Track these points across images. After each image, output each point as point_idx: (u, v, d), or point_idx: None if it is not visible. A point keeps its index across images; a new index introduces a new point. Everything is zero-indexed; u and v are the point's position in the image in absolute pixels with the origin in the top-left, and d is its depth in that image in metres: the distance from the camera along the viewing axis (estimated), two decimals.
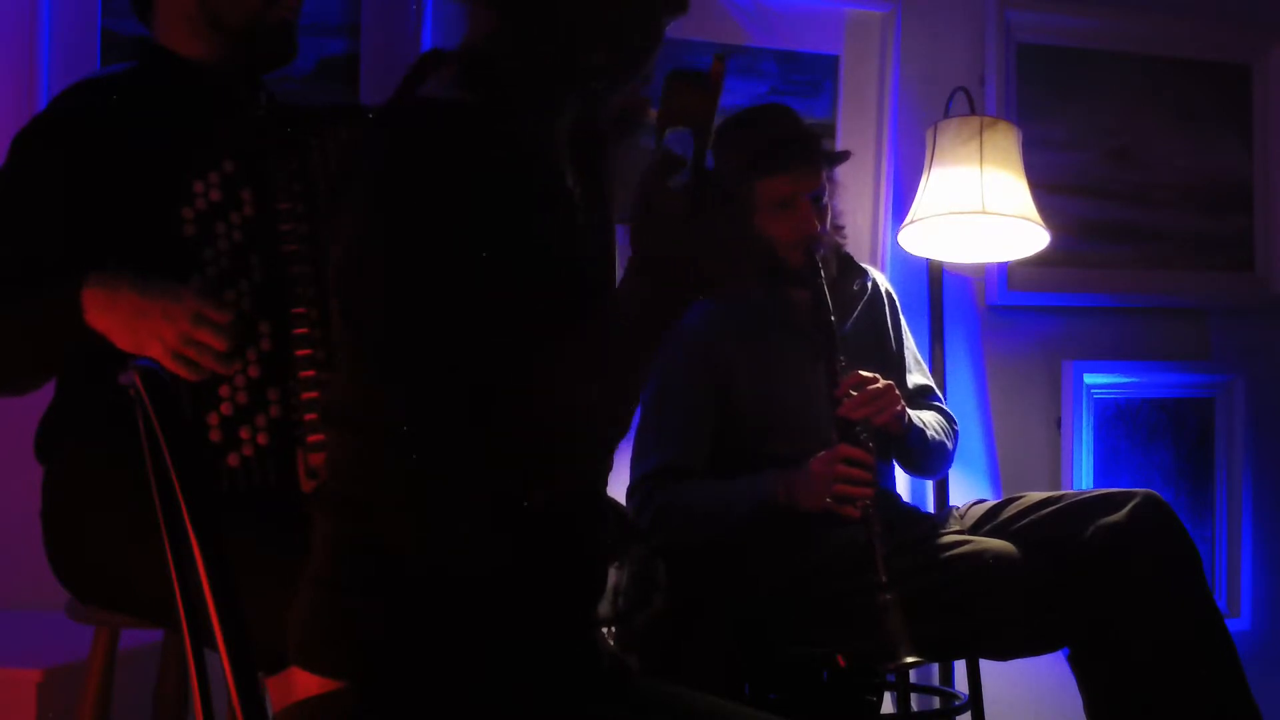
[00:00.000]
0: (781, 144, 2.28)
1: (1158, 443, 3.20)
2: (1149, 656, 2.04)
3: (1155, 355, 3.23)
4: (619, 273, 1.23)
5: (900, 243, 2.88)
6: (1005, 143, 2.75)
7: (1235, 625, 2.98)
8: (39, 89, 2.43)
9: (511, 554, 1.20)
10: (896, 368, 2.44)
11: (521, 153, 1.21)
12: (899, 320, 2.51)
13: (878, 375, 2.19)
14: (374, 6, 2.64)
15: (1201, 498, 3.23)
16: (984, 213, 2.70)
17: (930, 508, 2.87)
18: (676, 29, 1.34)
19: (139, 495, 1.40)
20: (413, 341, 1.17)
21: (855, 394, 2.15)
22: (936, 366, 2.92)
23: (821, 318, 2.22)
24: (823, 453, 2.13)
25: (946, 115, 2.88)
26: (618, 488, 2.04)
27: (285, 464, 1.69)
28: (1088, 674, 2.12)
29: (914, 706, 2.80)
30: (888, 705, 2.71)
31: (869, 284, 2.45)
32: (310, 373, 1.69)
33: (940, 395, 2.55)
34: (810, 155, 2.30)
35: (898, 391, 2.22)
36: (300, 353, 1.70)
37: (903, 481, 2.63)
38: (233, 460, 1.66)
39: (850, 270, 2.45)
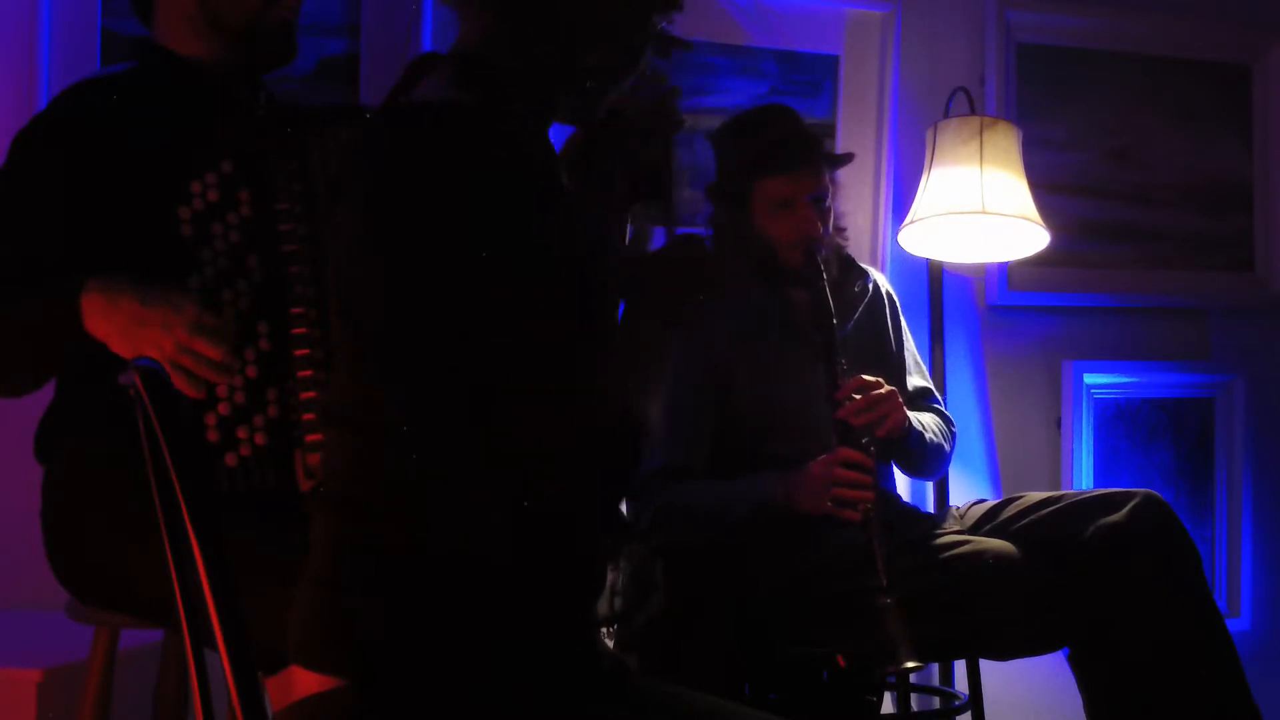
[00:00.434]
0: (782, 145, 2.28)
1: (1158, 443, 3.20)
2: (1149, 656, 2.04)
3: (1155, 355, 3.23)
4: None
5: (900, 243, 2.88)
6: (1005, 143, 2.75)
7: (1235, 625, 2.98)
8: (39, 89, 2.43)
9: (511, 554, 1.20)
10: (896, 369, 2.44)
11: (520, 152, 1.21)
12: (899, 322, 2.51)
13: (880, 380, 2.19)
14: (374, 6, 2.64)
15: (1201, 498, 3.23)
16: (984, 213, 2.70)
17: (930, 508, 2.87)
18: (677, 29, 1.34)
19: (139, 495, 1.40)
20: (412, 341, 1.17)
21: (858, 397, 2.15)
22: (936, 366, 2.92)
23: (822, 319, 2.22)
24: (822, 456, 2.13)
25: (946, 115, 2.88)
26: None
27: (284, 464, 1.69)
28: (1088, 674, 2.12)
29: (914, 706, 2.80)
30: (888, 705, 2.71)
31: (870, 285, 2.45)
32: (308, 372, 1.69)
33: (939, 397, 2.55)
34: (811, 156, 2.30)
35: (900, 398, 2.22)
36: (299, 352, 1.70)
37: (903, 481, 2.63)
38: (230, 460, 1.66)
39: (851, 271, 2.45)
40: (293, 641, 1.21)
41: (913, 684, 2.79)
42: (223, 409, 1.66)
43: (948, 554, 2.08)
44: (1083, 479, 3.09)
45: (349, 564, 1.20)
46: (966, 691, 2.57)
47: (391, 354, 1.18)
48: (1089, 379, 3.11)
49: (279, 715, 1.26)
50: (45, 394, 1.83)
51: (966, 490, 2.97)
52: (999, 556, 2.06)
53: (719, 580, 2.15)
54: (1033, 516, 2.18)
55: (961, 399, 3.05)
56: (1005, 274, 3.07)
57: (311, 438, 1.66)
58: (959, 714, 2.52)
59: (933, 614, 2.02)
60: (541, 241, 1.19)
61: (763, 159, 2.26)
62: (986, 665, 2.57)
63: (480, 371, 1.16)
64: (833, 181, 2.36)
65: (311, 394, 1.68)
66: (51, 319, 1.64)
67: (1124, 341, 3.22)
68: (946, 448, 2.42)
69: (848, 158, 2.43)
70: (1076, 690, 2.14)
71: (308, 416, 1.67)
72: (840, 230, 2.42)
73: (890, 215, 2.98)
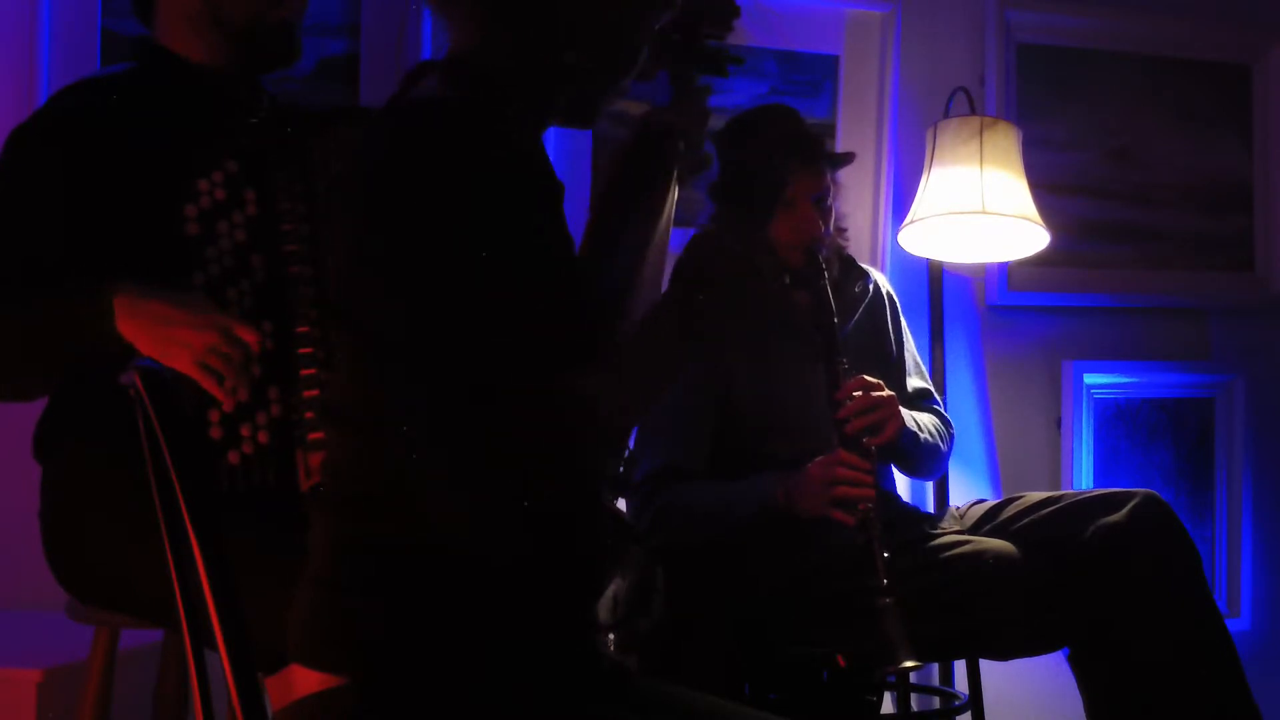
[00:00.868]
0: (784, 145, 2.28)
1: (1158, 443, 3.20)
2: (1149, 656, 2.04)
3: (1155, 355, 3.23)
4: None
5: (900, 243, 2.88)
6: (1005, 143, 2.75)
7: (1235, 625, 2.98)
8: (39, 89, 2.43)
9: (511, 554, 1.20)
10: (896, 370, 2.44)
11: (519, 152, 1.21)
12: (900, 322, 2.51)
13: (881, 382, 2.19)
14: (374, 6, 2.64)
15: (1201, 498, 3.23)
16: (984, 213, 2.70)
17: (930, 508, 2.87)
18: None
19: (139, 495, 1.40)
20: (412, 342, 1.17)
21: (858, 395, 2.14)
22: (936, 366, 2.92)
23: (823, 319, 2.21)
24: (821, 457, 2.13)
25: (946, 115, 2.88)
26: None
27: (285, 463, 1.69)
28: (1088, 674, 2.12)
29: (914, 706, 2.80)
30: (888, 705, 2.71)
31: (870, 286, 2.45)
32: (311, 371, 1.69)
33: (939, 399, 2.55)
34: (813, 156, 2.30)
35: (899, 405, 2.21)
36: (302, 351, 1.71)
37: (902, 481, 2.63)
38: (234, 458, 1.66)
39: (852, 272, 2.44)
40: (293, 641, 1.21)
41: (913, 684, 2.79)
42: (226, 406, 1.66)
43: (948, 554, 2.08)
44: (1083, 479, 3.09)
45: (349, 564, 1.20)
46: (966, 691, 2.57)
47: (391, 354, 1.18)
48: (1089, 379, 3.11)
49: (279, 715, 1.26)
50: None
51: (966, 490, 2.97)
52: (999, 556, 2.06)
53: (719, 580, 2.15)
54: (1033, 516, 2.18)
55: (961, 399, 3.05)
56: (1005, 274, 3.07)
57: (314, 436, 1.67)
58: (959, 714, 2.52)
59: (932, 614, 2.02)
60: (542, 241, 1.19)
61: (764, 159, 2.26)
62: (986, 665, 2.57)
63: (480, 371, 1.16)
64: (834, 181, 2.36)
65: (314, 392, 1.68)
66: (76, 320, 1.64)
67: (1124, 341, 3.22)
68: (943, 448, 2.42)
69: (849, 157, 2.43)
70: (1076, 690, 2.14)
71: (310, 415, 1.67)
72: (841, 230, 2.41)
73: (890, 215, 2.98)
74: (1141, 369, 3.17)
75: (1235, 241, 3.31)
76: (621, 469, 1.33)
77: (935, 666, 2.87)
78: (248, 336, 1.62)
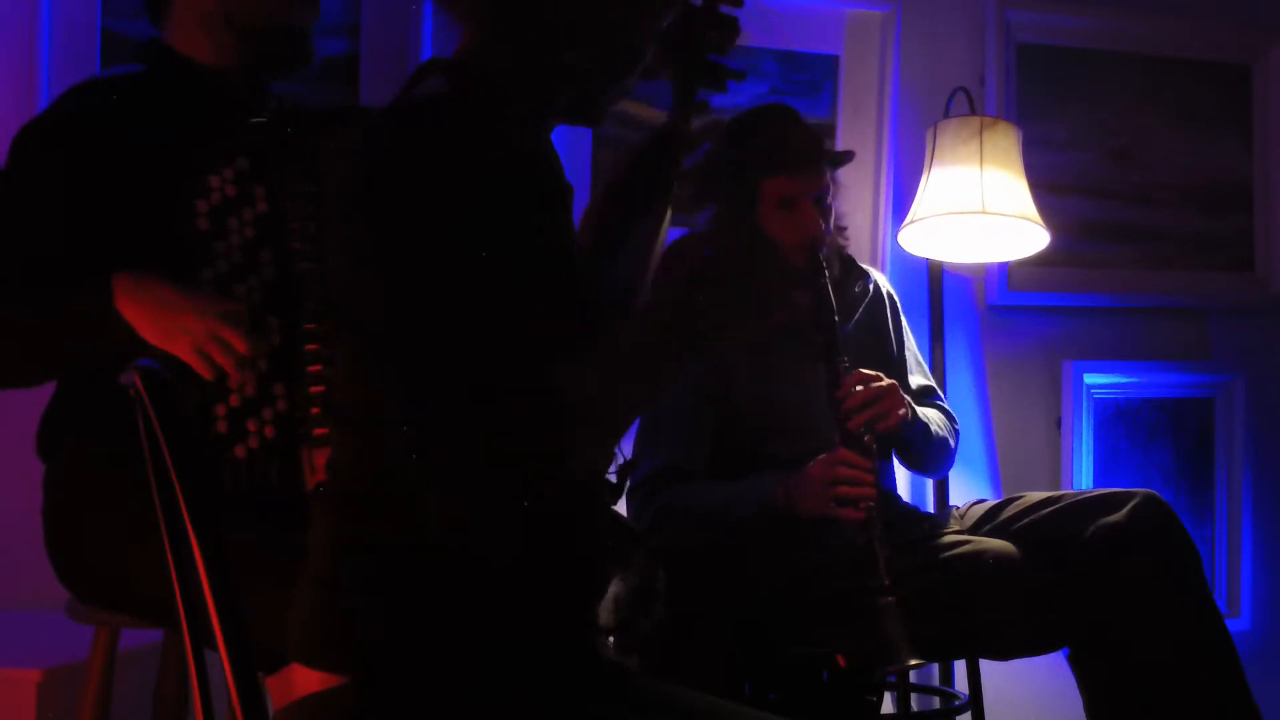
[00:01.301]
0: (784, 144, 2.28)
1: (1158, 443, 3.20)
2: (1149, 656, 2.04)
3: (1155, 355, 3.23)
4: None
5: (900, 243, 2.88)
6: (1005, 143, 2.75)
7: (1235, 625, 2.98)
8: (39, 89, 2.43)
9: (511, 554, 1.20)
10: (898, 369, 2.44)
11: (520, 152, 1.21)
12: (900, 322, 2.51)
13: (881, 375, 2.19)
14: (374, 6, 2.64)
15: (1201, 498, 3.23)
16: (984, 213, 2.70)
17: (930, 508, 2.87)
18: None
19: (139, 495, 1.40)
20: (412, 341, 1.17)
21: (861, 388, 2.14)
22: (936, 366, 2.92)
23: (824, 319, 2.21)
24: (821, 456, 2.12)
25: (946, 115, 2.88)
26: None
27: (289, 461, 1.69)
28: (1088, 674, 2.12)
29: (914, 706, 2.80)
30: (888, 705, 2.71)
31: (870, 285, 2.45)
32: (318, 367, 1.70)
33: (941, 395, 2.55)
34: (813, 156, 2.30)
35: (900, 392, 2.21)
36: (308, 348, 1.71)
37: (903, 481, 2.63)
38: (240, 452, 1.67)
39: (852, 271, 2.44)
40: (293, 641, 1.21)
41: (913, 684, 2.79)
42: (233, 400, 1.67)
43: (948, 554, 2.08)
44: (1083, 479, 3.09)
45: (349, 564, 1.20)
46: (966, 691, 2.57)
47: (391, 354, 1.18)
48: (1089, 379, 3.11)
49: (279, 715, 1.26)
50: (46, 391, 1.83)
51: (966, 490, 2.97)
52: (999, 556, 2.06)
53: (719, 580, 2.15)
54: (1033, 516, 2.18)
55: (961, 399, 3.05)
56: (1005, 274, 3.07)
57: (319, 431, 1.67)
58: (959, 714, 2.52)
59: (933, 614, 2.02)
60: (542, 241, 1.19)
61: (765, 159, 2.26)
62: (986, 665, 2.57)
63: (480, 371, 1.16)
64: (834, 181, 2.36)
65: (320, 388, 1.69)
66: (76, 304, 1.65)
67: (1124, 341, 3.22)
68: (951, 442, 2.42)
69: (849, 156, 2.43)
70: (1076, 690, 2.14)
71: (315, 411, 1.68)
72: (841, 230, 2.41)
73: (890, 215, 2.98)
74: (1141, 369, 3.17)
75: (1235, 241, 3.31)
76: (615, 478, 1.32)
77: (935, 666, 2.87)
78: (244, 323, 1.62)
